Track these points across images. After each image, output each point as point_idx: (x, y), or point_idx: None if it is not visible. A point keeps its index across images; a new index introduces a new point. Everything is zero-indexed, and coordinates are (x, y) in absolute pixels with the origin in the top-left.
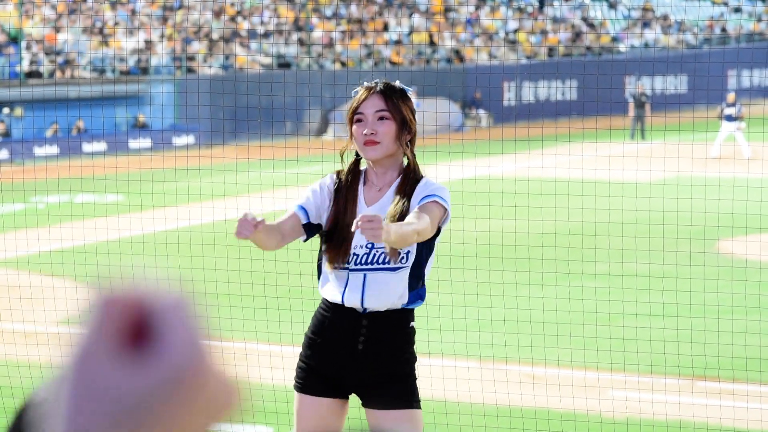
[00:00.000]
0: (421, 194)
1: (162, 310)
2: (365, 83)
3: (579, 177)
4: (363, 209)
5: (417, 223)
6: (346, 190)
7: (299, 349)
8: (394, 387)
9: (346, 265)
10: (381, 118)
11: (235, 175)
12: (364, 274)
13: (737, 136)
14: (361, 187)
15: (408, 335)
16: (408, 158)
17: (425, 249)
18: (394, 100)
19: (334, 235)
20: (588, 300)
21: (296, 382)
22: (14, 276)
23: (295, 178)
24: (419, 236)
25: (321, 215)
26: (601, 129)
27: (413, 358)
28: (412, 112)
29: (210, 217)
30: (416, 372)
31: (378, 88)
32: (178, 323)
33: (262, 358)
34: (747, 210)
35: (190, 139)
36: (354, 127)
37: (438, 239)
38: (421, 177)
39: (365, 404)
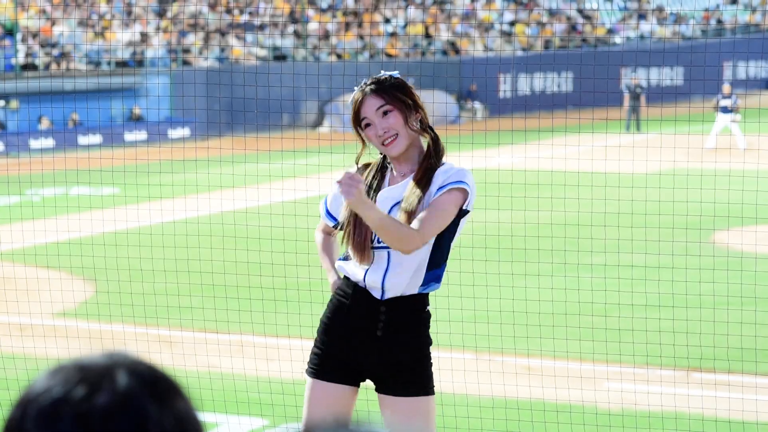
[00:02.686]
0: (438, 184)
1: None
2: (355, 89)
3: (575, 168)
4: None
5: (406, 229)
6: (371, 178)
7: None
8: (409, 373)
9: (370, 243)
10: (385, 113)
11: (231, 167)
12: (388, 252)
13: (732, 127)
14: (387, 174)
15: (424, 320)
16: (428, 138)
17: (446, 229)
18: (389, 91)
19: (355, 223)
20: (584, 291)
21: (309, 367)
22: (9, 268)
23: (292, 170)
24: (399, 242)
25: (338, 207)
26: (597, 120)
27: (429, 342)
28: (410, 92)
29: (206, 209)
30: (431, 356)
31: (369, 89)
32: None
33: (257, 350)
34: (743, 201)
35: (185, 131)
36: (365, 132)
37: (464, 219)
38: (441, 164)
39: (379, 389)
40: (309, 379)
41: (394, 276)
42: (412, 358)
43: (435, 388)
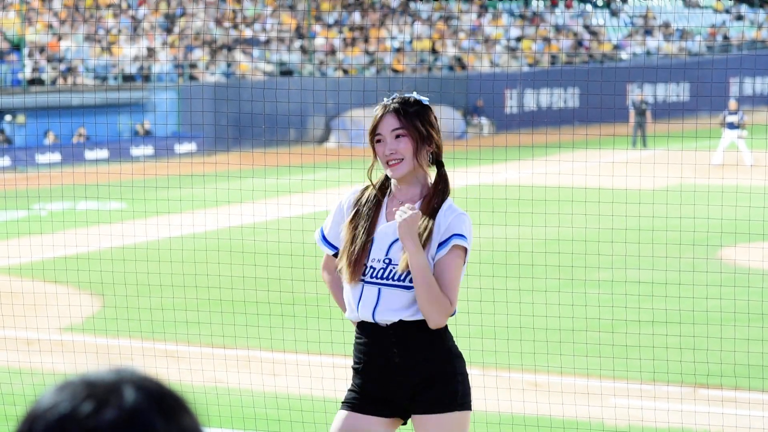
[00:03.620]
0: (439, 232)
1: None
2: (384, 100)
3: (582, 184)
4: (382, 222)
5: (443, 296)
6: (370, 203)
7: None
8: (435, 390)
9: (362, 277)
10: (398, 137)
11: (238, 182)
12: (379, 289)
13: (739, 143)
14: (385, 200)
15: (437, 334)
16: (434, 173)
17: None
18: (409, 116)
19: (351, 247)
20: (591, 307)
21: (345, 403)
22: (17, 283)
23: (299, 186)
24: (434, 302)
25: (338, 233)
26: (603, 136)
27: (453, 355)
28: (431, 124)
29: (213, 224)
30: (462, 370)
31: (391, 108)
32: None
33: (264, 365)
34: (749, 217)
35: (192, 146)
36: (376, 147)
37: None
38: (445, 199)
39: (412, 412)
40: (341, 411)
41: (384, 311)
42: (434, 373)
43: (470, 404)
